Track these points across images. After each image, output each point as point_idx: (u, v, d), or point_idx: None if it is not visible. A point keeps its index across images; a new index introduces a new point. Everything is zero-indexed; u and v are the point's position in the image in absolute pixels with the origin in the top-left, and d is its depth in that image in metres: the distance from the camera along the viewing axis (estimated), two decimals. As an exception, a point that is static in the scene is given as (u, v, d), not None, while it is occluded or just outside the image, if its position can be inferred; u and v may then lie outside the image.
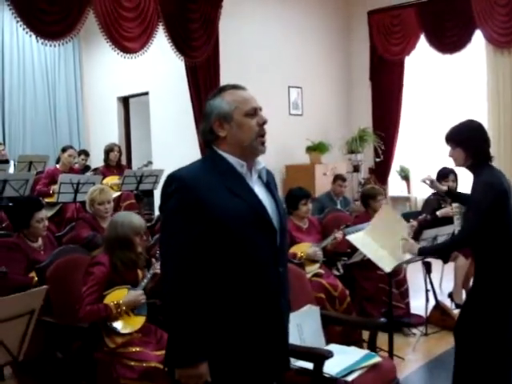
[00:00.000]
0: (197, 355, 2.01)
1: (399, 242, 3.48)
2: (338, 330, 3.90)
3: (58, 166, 7.34)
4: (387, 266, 3.34)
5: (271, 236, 2.12)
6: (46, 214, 4.43)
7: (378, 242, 3.62)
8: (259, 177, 2.22)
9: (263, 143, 2.16)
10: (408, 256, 3.53)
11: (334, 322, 3.47)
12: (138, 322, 3.48)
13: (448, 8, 8.91)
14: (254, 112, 2.14)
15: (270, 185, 2.24)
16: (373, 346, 3.29)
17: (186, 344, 2.01)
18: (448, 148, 3.32)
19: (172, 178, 2.09)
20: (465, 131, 3.28)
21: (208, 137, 2.19)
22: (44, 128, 10.56)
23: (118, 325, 3.41)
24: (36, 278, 3.92)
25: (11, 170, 8.34)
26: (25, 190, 6.27)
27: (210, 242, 2.02)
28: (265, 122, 2.16)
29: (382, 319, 3.26)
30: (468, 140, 3.23)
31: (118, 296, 3.45)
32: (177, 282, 2.02)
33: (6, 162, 8.88)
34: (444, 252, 3.58)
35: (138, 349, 3.37)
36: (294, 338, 3.07)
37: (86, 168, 9.10)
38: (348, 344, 3.48)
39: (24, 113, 10.31)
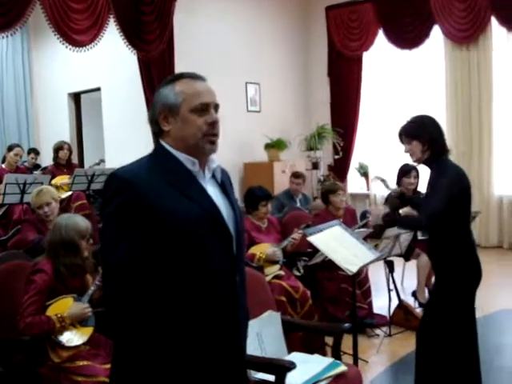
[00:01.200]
0: (145, 378, 1.79)
1: (361, 244, 3.37)
2: (301, 337, 3.72)
3: (3, 165, 6.96)
4: (351, 267, 3.17)
5: (227, 242, 1.91)
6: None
7: (340, 242, 3.45)
8: (213, 176, 2.00)
9: (213, 142, 1.92)
10: (372, 256, 3.37)
11: (296, 328, 3.27)
12: (85, 333, 3.22)
13: (406, 3, 8.87)
14: (204, 108, 1.90)
15: (225, 185, 2.02)
16: (337, 353, 3.11)
17: (132, 366, 1.79)
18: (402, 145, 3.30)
19: (112, 177, 1.85)
20: (419, 124, 3.25)
21: (154, 128, 1.95)
22: (-10, 127, 10.10)
23: (62, 338, 3.14)
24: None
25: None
26: (-33, 192, 5.91)
27: (156, 251, 1.79)
28: (214, 122, 1.91)
29: (346, 324, 3.08)
30: (423, 132, 3.18)
31: (62, 307, 3.19)
32: (118, 299, 1.78)
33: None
34: (410, 226, 3.49)
35: (85, 362, 3.11)
36: (253, 348, 2.89)
37: (36, 167, 8.71)
38: (311, 351, 3.29)
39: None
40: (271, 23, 9.47)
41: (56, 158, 7.34)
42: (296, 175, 7.03)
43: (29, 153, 8.95)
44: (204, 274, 1.84)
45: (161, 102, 1.91)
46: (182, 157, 1.90)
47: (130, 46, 7.16)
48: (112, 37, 7.08)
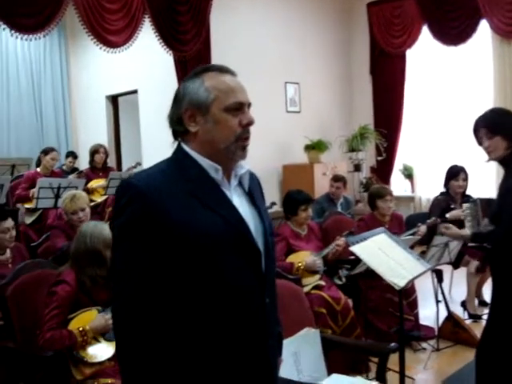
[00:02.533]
0: None
1: (409, 254, 3.07)
2: (342, 355, 3.44)
3: (38, 169, 6.87)
4: (398, 281, 2.87)
5: (255, 260, 1.65)
6: (12, 223, 3.97)
7: (385, 252, 3.16)
8: (240, 183, 1.75)
9: (244, 147, 1.69)
10: (421, 268, 3.07)
11: (337, 346, 2.99)
12: (110, 348, 3.01)
13: (451, -3, 8.47)
14: (239, 108, 1.66)
15: (252, 193, 1.77)
16: (382, 375, 2.82)
17: None
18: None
19: (124, 185, 1.62)
20: (500, 116, 2.86)
21: (176, 127, 1.71)
22: (29, 130, 10.06)
23: (85, 353, 2.94)
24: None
25: (-7, 174, 7.89)
26: (0, 196, 5.81)
27: (173, 270, 1.55)
28: (250, 123, 1.68)
29: (393, 345, 2.79)
30: (507, 125, 2.81)
31: (85, 320, 2.99)
32: (130, 328, 1.55)
33: (-11, 165, 8.46)
34: (493, 241, 3.07)
35: (109, 380, 2.91)
36: (289, 370, 2.63)
37: (74, 170, 8.63)
38: (354, 370, 3.01)
39: (8, 114, 9.81)
40: (311, 21, 9.18)
41: (92, 161, 7.24)
42: (336, 179, 6.73)
43: (67, 156, 8.88)
44: (229, 296, 1.59)
45: (188, 98, 1.66)
46: (206, 163, 1.65)
47: (165, 47, 6.99)
48: (148, 38, 6.93)
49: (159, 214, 1.54)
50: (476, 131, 2.90)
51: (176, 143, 1.73)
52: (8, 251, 4.01)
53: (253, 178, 1.82)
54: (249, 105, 1.71)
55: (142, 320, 1.53)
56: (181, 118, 1.68)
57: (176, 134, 1.73)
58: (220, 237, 1.58)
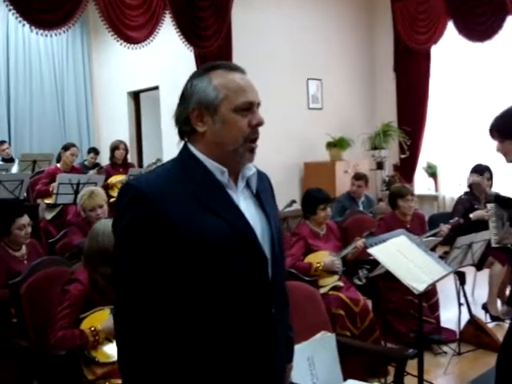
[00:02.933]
0: None
1: (429, 257, 2.97)
2: (359, 359, 3.35)
3: (58, 165, 6.88)
4: (418, 285, 2.78)
5: (260, 266, 1.58)
6: (28, 220, 3.95)
7: (405, 255, 3.06)
8: (248, 185, 1.68)
9: (252, 150, 1.62)
10: (441, 272, 2.97)
11: (354, 351, 2.91)
12: (122, 349, 2.96)
13: (477, -7, 8.29)
14: (249, 108, 1.60)
15: (260, 196, 1.69)
16: (400, 381, 2.73)
17: None
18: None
19: (125, 188, 1.57)
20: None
21: (182, 127, 1.64)
22: (52, 125, 10.14)
23: (97, 353, 2.90)
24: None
25: (15, 169, 7.95)
26: (20, 192, 5.83)
27: (174, 274, 1.50)
28: (259, 124, 1.61)
29: (411, 350, 2.69)
30: None
31: (98, 320, 2.95)
32: (132, 336, 1.50)
33: (11, 160, 8.52)
34: None
35: (120, 381, 2.85)
36: (303, 375, 2.56)
37: (95, 166, 8.65)
38: (371, 375, 2.93)
39: (31, 110, 9.90)
40: (334, 16, 9.07)
41: (112, 157, 7.24)
42: (357, 177, 6.60)
43: (89, 152, 8.91)
44: (231, 304, 1.53)
45: (196, 97, 1.59)
46: (211, 165, 1.59)
47: (186, 43, 6.95)
48: (169, 33, 6.89)
49: (160, 217, 1.48)
50: (490, 132, 2.79)
51: (182, 143, 1.68)
52: (24, 247, 4.00)
53: (262, 178, 1.75)
54: (258, 104, 1.64)
55: (143, 324, 1.49)
56: (188, 118, 1.61)
57: (182, 134, 1.66)
58: (223, 242, 1.51)
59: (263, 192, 1.71)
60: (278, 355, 1.64)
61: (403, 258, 2.97)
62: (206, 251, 1.49)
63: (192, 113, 1.60)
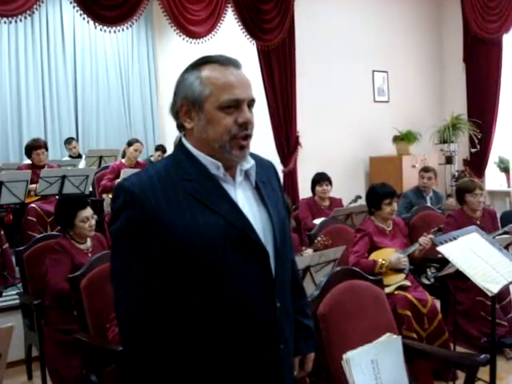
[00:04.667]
0: None
1: (504, 256, 2.77)
2: (426, 364, 3.18)
3: (123, 160, 6.95)
4: (491, 286, 2.59)
5: (261, 262, 1.53)
6: (91, 212, 3.98)
7: (477, 253, 2.87)
8: (247, 177, 1.62)
9: (242, 147, 1.54)
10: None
11: (421, 355, 2.75)
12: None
13: (554, -24, 7.84)
14: (236, 105, 1.52)
15: (260, 187, 1.63)
16: (471, 389, 2.55)
17: None
18: None
19: (118, 190, 1.53)
20: None
21: (176, 120, 1.61)
22: (118, 122, 10.30)
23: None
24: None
25: (82, 165, 8.10)
26: (85, 187, 5.91)
27: (174, 276, 1.47)
28: (246, 123, 1.53)
29: (483, 356, 2.50)
30: None
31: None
32: (134, 337, 1.49)
33: (79, 157, 8.70)
34: None
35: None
36: (368, 379, 2.42)
37: (161, 163, 8.71)
38: (439, 379, 2.76)
39: (97, 107, 10.08)
40: (399, 5, 8.77)
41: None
42: (426, 169, 6.40)
43: (157, 149, 8.99)
44: (232, 302, 1.48)
45: (184, 92, 1.55)
46: (206, 160, 1.54)
47: (248, 36, 6.86)
48: (231, 27, 6.82)
49: (155, 217, 1.45)
50: None
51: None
52: (89, 240, 4.04)
53: (265, 167, 1.69)
54: (251, 102, 1.55)
55: (145, 328, 1.46)
56: (178, 113, 1.58)
57: (179, 129, 1.63)
58: (221, 238, 1.47)
59: (265, 183, 1.65)
60: (284, 353, 1.59)
61: (475, 256, 2.78)
62: (204, 250, 1.45)
63: (180, 108, 1.56)
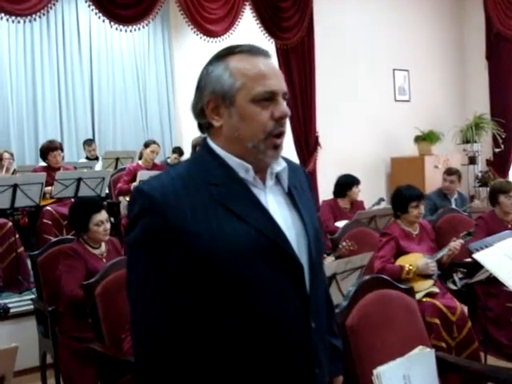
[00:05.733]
0: None
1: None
2: (457, 378, 3.01)
3: (139, 162, 6.85)
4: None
5: (295, 276, 1.37)
6: (106, 216, 3.85)
7: (513, 259, 2.70)
8: (278, 181, 1.46)
9: (276, 146, 1.39)
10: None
11: (454, 368, 2.59)
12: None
13: None
14: (271, 98, 1.37)
15: (293, 193, 1.47)
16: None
17: None
18: None
19: (136, 194, 1.37)
20: None
21: (199, 120, 1.44)
22: (134, 123, 10.21)
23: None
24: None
25: (99, 166, 8.03)
26: (101, 189, 5.82)
27: (197, 293, 1.31)
28: (284, 116, 1.38)
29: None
30: None
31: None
32: (152, 359, 1.32)
33: (96, 159, 8.63)
34: None
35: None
36: (399, 396, 2.26)
37: (177, 165, 8.61)
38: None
39: (114, 109, 10.00)
40: (420, 3, 8.57)
41: (194, 154, 7.13)
42: (449, 172, 6.22)
43: (174, 151, 8.89)
44: (262, 321, 1.32)
45: (211, 86, 1.39)
46: (234, 162, 1.38)
47: (267, 35, 6.73)
48: (249, 26, 6.70)
49: (176, 225, 1.29)
50: None
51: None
52: (103, 245, 3.92)
53: (296, 171, 1.53)
54: (284, 94, 1.41)
55: (165, 349, 1.31)
56: (203, 110, 1.41)
57: (201, 127, 1.47)
58: (250, 250, 1.31)
59: (298, 188, 1.49)
60: (319, 375, 1.43)
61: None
62: (232, 262, 1.29)
63: (207, 105, 1.40)
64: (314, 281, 1.42)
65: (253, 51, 1.41)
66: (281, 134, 1.39)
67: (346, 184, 5.73)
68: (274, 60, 1.50)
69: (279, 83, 1.40)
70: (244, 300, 1.31)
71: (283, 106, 1.39)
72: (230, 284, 1.30)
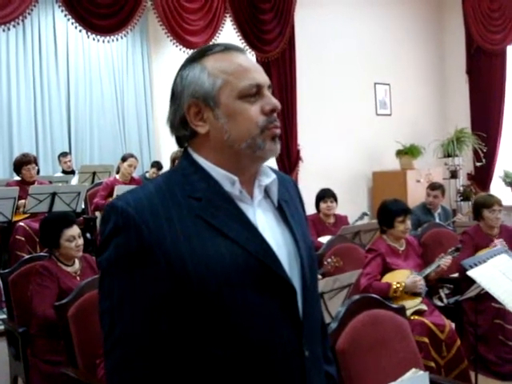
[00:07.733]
0: None
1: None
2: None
3: (117, 176, 6.68)
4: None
5: (288, 300, 1.24)
6: (78, 231, 3.69)
7: (507, 275, 2.61)
8: (267, 195, 1.33)
9: (274, 137, 1.27)
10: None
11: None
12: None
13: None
14: (257, 92, 1.25)
15: (284, 207, 1.34)
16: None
17: None
18: None
19: (109, 210, 1.22)
20: None
21: (180, 132, 1.30)
22: (112, 136, 10.05)
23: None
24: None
25: (75, 181, 7.83)
26: (77, 204, 5.64)
27: (177, 321, 1.17)
28: (275, 109, 1.26)
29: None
30: None
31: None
32: None
33: (72, 173, 8.43)
34: None
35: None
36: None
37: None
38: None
39: (91, 122, 9.83)
40: (401, 17, 8.59)
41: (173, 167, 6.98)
42: (433, 187, 6.16)
43: (152, 166, 8.74)
44: (251, 352, 1.18)
45: (189, 91, 1.26)
46: (219, 174, 1.25)
47: (248, 47, 6.64)
48: (229, 38, 6.59)
49: (153, 244, 1.15)
50: None
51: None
52: (77, 262, 3.75)
53: (286, 184, 1.40)
54: (269, 87, 1.29)
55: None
56: (184, 119, 1.27)
57: (180, 140, 1.32)
58: (237, 273, 1.17)
59: (288, 202, 1.36)
60: None
61: (508, 280, 2.51)
62: (216, 285, 1.16)
63: (188, 111, 1.26)
64: (308, 304, 1.28)
65: (227, 49, 1.29)
66: (277, 126, 1.28)
67: (317, 198, 5.63)
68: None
69: (262, 76, 1.29)
70: (230, 329, 1.17)
71: (272, 99, 1.27)
72: (215, 311, 1.16)
